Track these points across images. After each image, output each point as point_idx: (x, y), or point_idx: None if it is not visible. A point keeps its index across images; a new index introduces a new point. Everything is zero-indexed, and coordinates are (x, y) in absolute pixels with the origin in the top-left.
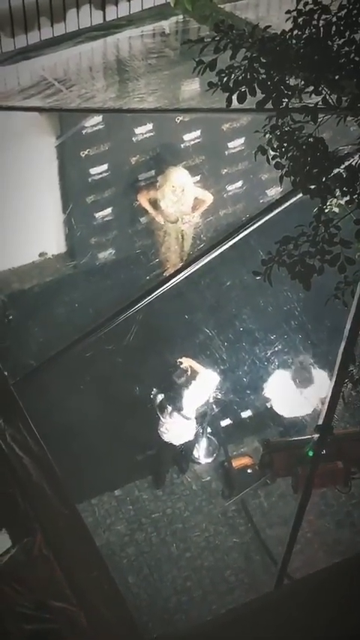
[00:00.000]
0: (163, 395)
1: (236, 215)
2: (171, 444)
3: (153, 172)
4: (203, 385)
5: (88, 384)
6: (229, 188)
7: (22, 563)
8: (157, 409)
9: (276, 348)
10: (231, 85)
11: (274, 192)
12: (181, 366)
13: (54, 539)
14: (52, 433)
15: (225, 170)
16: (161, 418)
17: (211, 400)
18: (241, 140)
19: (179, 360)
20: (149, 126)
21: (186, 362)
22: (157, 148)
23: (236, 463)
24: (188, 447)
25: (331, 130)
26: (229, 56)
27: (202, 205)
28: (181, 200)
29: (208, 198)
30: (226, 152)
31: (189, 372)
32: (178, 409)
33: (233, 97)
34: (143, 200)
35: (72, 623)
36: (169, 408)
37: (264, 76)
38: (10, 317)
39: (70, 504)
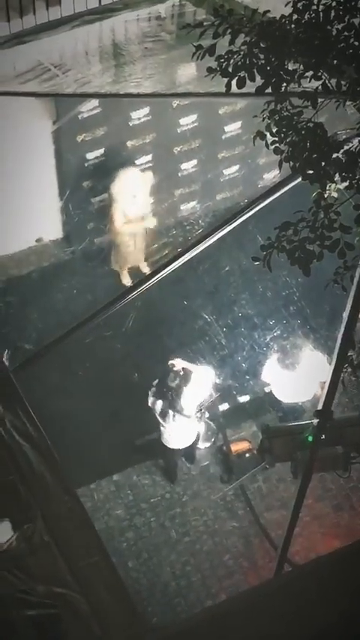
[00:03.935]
0: (161, 402)
1: (234, 199)
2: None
3: (150, 157)
4: (199, 382)
5: (87, 370)
6: (226, 172)
7: (23, 549)
8: (158, 417)
9: (275, 334)
10: (230, 71)
11: (271, 176)
12: (174, 369)
13: (54, 526)
14: (51, 419)
15: (222, 154)
16: (164, 424)
17: (207, 397)
18: (238, 124)
19: (171, 362)
20: (146, 110)
21: (178, 364)
22: (153, 133)
23: (235, 448)
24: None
25: (330, 115)
26: (227, 41)
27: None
28: (138, 198)
29: (147, 177)
30: (223, 136)
31: (182, 373)
32: (179, 411)
33: (232, 82)
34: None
35: (73, 608)
36: (170, 413)
37: (263, 61)
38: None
39: (70, 490)
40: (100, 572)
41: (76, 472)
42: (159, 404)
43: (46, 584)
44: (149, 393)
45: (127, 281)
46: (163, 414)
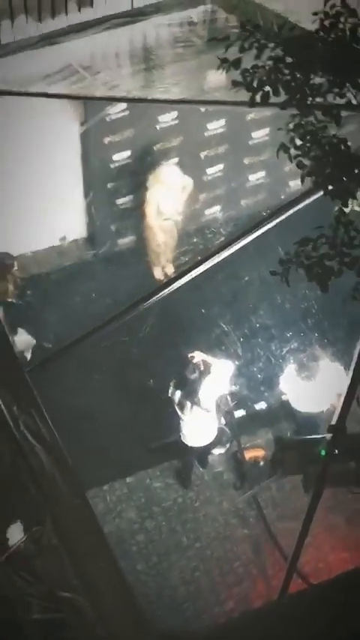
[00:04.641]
0: (180, 392)
1: (258, 206)
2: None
3: (176, 160)
4: (218, 376)
5: (103, 374)
6: (251, 178)
7: (31, 551)
8: (177, 408)
9: (292, 346)
10: (255, 85)
11: (296, 183)
12: (193, 361)
13: (63, 529)
14: (66, 420)
15: (248, 160)
16: (182, 416)
17: (227, 392)
18: (266, 130)
19: (191, 355)
20: (174, 114)
21: (198, 356)
22: (180, 136)
23: (249, 455)
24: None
25: (354, 130)
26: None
27: (185, 191)
28: (173, 196)
29: (189, 184)
30: (250, 142)
31: (201, 367)
32: (197, 403)
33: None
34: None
35: (78, 613)
36: (188, 404)
37: (288, 77)
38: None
39: (81, 494)
40: (108, 578)
41: (89, 473)
42: (178, 394)
43: (52, 588)
44: (170, 383)
45: (159, 276)
46: (181, 405)
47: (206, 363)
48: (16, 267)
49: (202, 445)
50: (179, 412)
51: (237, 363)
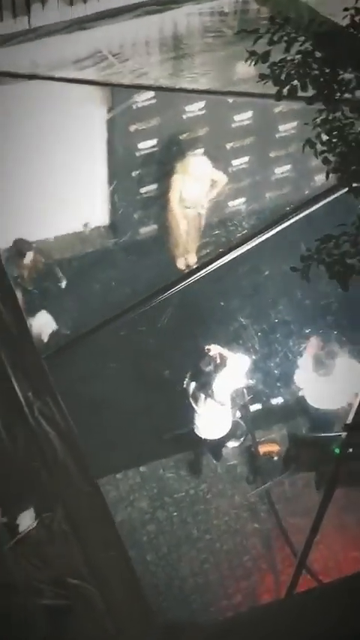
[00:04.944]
0: (194, 384)
1: (283, 199)
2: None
3: (202, 151)
4: (234, 370)
5: (120, 362)
6: (277, 171)
7: (41, 537)
8: (191, 399)
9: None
10: (282, 79)
11: (322, 178)
12: (210, 354)
13: (74, 516)
14: (81, 407)
15: (274, 153)
16: (196, 408)
17: (242, 386)
18: (294, 124)
19: (207, 347)
20: (201, 104)
21: (214, 349)
22: (206, 127)
23: (263, 449)
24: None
25: None
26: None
27: (217, 187)
28: (199, 187)
29: (222, 179)
30: (277, 135)
31: (217, 360)
32: (211, 396)
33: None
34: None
35: (86, 601)
36: (202, 396)
37: (317, 72)
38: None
39: (93, 482)
40: (116, 567)
41: (102, 461)
42: (192, 386)
43: (61, 574)
44: (186, 375)
45: (181, 266)
46: (195, 397)
47: (222, 357)
48: (31, 256)
49: (215, 438)
50: (193, 404)
51: (254, 357)
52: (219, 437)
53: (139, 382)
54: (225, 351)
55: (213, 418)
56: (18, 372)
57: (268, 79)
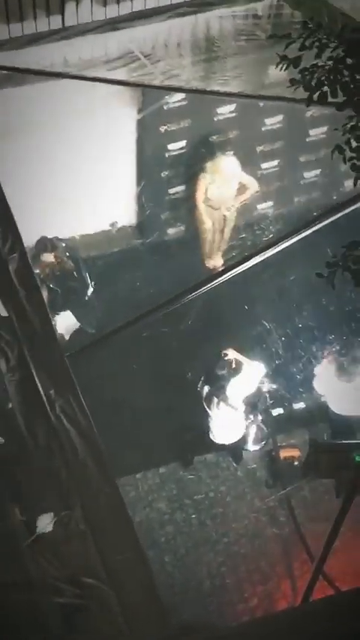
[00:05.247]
0: (208, 387)
1: (311, 203)
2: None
3: (231, 153)
4: (249, 376)
5: (142, 363)
6: (306, 176)
7: (59, 536)
8: (204, 402)
9: (333, 349)
10: (313, 85)
11: (351, 184)
12: (225, 358)
13: (92, 516)
14: (102, 406)
15: (303, 157)
16: (209, 412)
17: (265, 390)
18: (324, 129)
19: (224, 351)
20: (232, 107)
21: (231, 354)
22: (237, 130)
23: (284, 454)
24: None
25: None
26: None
27: (246, 192)
28: (226, 188)
29: (252, 185)
30: (307, 139)
31: (233, 364)
32: (225, 400)
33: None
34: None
35: (101, 601)
36: (215, 400)
37: (347, 78)
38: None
39: (112, 482)
40: (133, 568)
41: (122, 461)
42: (206, 389)
43: (76, 573)
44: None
45: (211, 265)
46: (208, 400)
47: (238, 362)
48: (56, 255)
49: (227, 443)
50: (206, 407)
51: (277, 361)
52: (231, 442)
53: (160, 383)
54: (241, 357)
55: (225, 422)
56: (41, 370)
57: (298, 85)
